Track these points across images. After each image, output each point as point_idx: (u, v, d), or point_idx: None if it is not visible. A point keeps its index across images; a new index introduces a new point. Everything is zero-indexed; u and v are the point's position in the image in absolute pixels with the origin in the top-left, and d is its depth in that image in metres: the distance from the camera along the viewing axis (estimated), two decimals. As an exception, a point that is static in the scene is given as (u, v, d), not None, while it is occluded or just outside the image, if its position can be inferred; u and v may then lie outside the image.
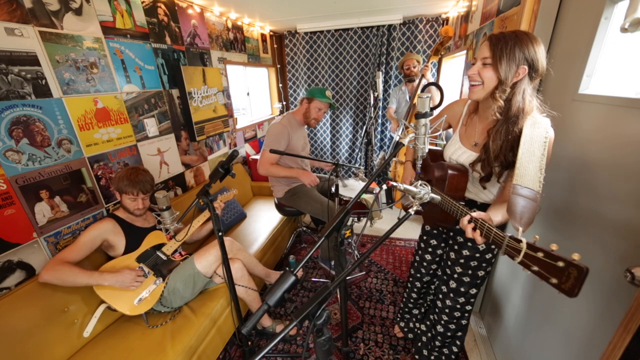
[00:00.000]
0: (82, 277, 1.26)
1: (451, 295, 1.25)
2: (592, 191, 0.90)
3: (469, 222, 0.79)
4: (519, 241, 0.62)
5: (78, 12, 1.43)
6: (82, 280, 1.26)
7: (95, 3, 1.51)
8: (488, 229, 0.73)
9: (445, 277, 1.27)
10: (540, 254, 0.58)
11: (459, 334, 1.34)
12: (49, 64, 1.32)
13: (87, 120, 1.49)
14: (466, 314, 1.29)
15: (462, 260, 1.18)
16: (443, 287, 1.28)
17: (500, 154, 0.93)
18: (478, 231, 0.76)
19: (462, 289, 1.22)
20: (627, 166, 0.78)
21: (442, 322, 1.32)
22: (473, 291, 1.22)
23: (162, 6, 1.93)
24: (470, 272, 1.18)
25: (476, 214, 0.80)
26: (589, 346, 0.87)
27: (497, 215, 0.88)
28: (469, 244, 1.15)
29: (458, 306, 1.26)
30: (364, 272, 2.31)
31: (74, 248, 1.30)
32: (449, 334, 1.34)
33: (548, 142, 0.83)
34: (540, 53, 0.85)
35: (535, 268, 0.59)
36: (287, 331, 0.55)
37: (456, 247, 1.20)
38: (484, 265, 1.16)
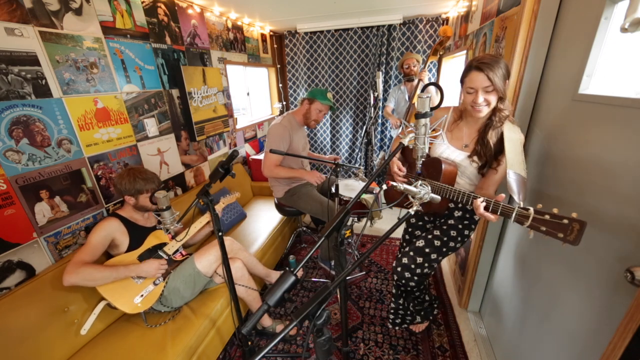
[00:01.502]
0: (110, 272, 1.29)
1: (411, 253, 1.33)
2: (592, 191, 0.90)
3: (481, 202, 0.96)
4: (527, 209, 0.80)
5: (78, 12, 1.43)
6: (110, 275, 1.29)
7: (95, 3, 1.51)
8: (495, 204, 0.92)
9: (414, 240, 1.38)
10: (547, 217, 0.75)
11: (427, 297, 1.55)
12: (49, 64, 1.32)
13: (87, 120, 1.49)
14: (421, 278, 1.37)
15: (444, 227, 1.31)
16: (407, 248, 1.37)
17: (492, 146, 1.14)
18: (490, 211, 0.94)
19: (427, 250, 1.31)
20: (627, 166, 0.78)
21: (408, 289, 1.47)
22: (433, 256, 1.31)
23: (162, 6, 1.93)
24: (444, 238, 1.30)
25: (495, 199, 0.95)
26: (589, 346, 0.87)
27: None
28: (452, 222, 1.31)
29: (413, 266, 1.33)
30: (364, 272, 2.31)
31: (87, 250, 1.30)
32: (410, 304, 1.53)
33: (522, 143, 1.09)
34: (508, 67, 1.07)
35: (544, 228, 0.75)
36: (287, 331, 0.55)
37: (444, 227, 1.33)
38: (458, 238, 1.30)
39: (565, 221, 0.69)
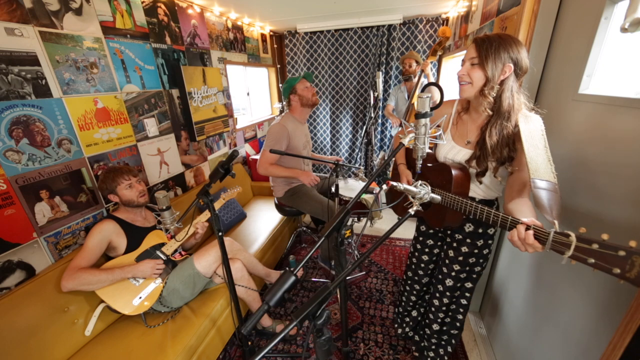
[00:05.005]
0: (105, 276, 1.30)
1: (447, 293, 1.27)
2: (591, 191, 0.90)
3: (527, 229, 0.71)
4: (567, 235, 0.61)
5: (78, 12, 1.43)
6: (106, 278, 1.30)
7: (95, 3, 1.51)
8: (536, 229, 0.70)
9: (440, 276, 1.28)
10: (595, 246, 0.57)
11: (455, 331, 1.35)
12: (49, 64, 1.32)
13: (87, 120, 1.49)
14: (461, 309, 1.30)
15: (460, 258, 1.19)
16: (439, 286, 1.30)
17: (496, 150, 0.97)
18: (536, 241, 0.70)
19: (459, 284, 1.24)
20: (626, 166, 0.78)
21: (439, 319, 1.34)
22: (468, 285, 1.24)
23: (162, 6, 1.93)
24: (467, 268, 1.20)
25: (529, 220, 0.74)
26: (589, 346, 0.87)
27: (528, 215, 0.81)
28: (468, 240, 1.17)
29: (454, 300, 1.28)
30: (364, 272, 2.31)
31: (84, 254, 1.30)
32: (444, 328, 1.36)
33: (544, 133, 0.87)
34: (523, 53, 0.91)
35: (592, 260, 0.58)
36: (287, 331, 0.55)
37: (455, 244, 1.21)
38: (481, 261, 1.19)
39: (622, 253, 0.53)
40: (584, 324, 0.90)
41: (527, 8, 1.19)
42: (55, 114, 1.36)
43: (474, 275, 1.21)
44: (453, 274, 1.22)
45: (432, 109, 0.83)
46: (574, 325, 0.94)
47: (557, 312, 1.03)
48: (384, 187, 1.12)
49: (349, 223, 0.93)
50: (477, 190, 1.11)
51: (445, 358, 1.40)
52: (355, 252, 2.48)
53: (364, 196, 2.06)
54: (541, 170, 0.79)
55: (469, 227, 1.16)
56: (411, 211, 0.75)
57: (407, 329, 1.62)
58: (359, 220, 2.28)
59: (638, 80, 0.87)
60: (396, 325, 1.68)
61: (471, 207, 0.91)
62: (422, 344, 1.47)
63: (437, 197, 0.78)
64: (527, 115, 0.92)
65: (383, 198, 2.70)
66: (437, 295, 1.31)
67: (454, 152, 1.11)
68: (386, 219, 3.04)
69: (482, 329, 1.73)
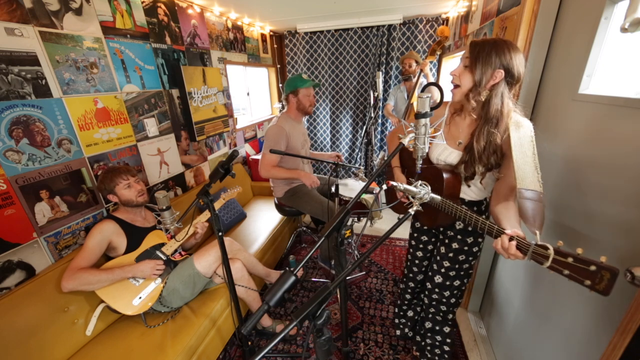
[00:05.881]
0: (105, 276, 1.30)
1: (436, 290, 1.28)
2: (591, 191, 0.90)
3: (510, 240, 0.75)
4: (546, 248, 0.66)
5: (78, 12, 1.43)
6: (106, 278, 1.30)
7: (95, 3, 1.51)
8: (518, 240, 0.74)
9: (431, 273, 1.30)
10: (570, 259, 0.62)
11: (447, 329, 1.36)
12: (49, 64, 1.32)
13: (87, 120, 1.49)
14: (451, 308, 1.30)
15: (451, 254, 1.21)
16: (428, 284, 1.32)
17: (483, 156, 0.97)
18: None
19: (447, 283, 1.25)
20: (627, 166, 0.78)
21: (430, 316, 1.35)
22: (457, 283, 1.24)
23: (162, 6, 1.93)
24: (457, 265, 1.21)
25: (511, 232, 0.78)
26: (589, 346, 0.87)
27: (512, 221, 0.85)
28: (459, 236, 1.18)
29: (444, 300, 1.28)
30: (364, 272, 2.31)
31: (84, 255, 1.30)
32: (437, 327, 1.36)
33: (533, 139, 0.87)
34: (516, 60, 0.89)
35: (567, 272, 0.63)
36: (287, 331, 0.55)
37: (446, 241, 1.22)
38: (470, 258, 1.20)
39: (593, 268, 0.58)
40: (584, 324, 0.90)
41: (527, 8, 1.19)
42: (55, 114, 1.36)
43: (462, 273, 1.23)
44: (442, 270, 1.24)
45: (432, 109, 0.83)
46: (573, 325, 0.94)
47: (557, 312, 1.03)
48: (384, 186, 1.11)
49: (349, 223, 0.93)
50: (466, 192, 1.12)
51: (446, 356, 1.40)
52: (355, 252, 2.48)
53: (364, 196, 2.06)
54: (527, 179, 0.80)
55: (459, 225, 1.18)
56: (411, 211, 0.75)
57: (405, 330, 1.62)
58: (359, 220, 2.28)
59: (638, 80, 0.87)
60: (395, 327, 1.69)
61: (461, 212, 0.92)
62: (422, 344, 1.48)
63: (437, 197, 0.78)
64: (519, 121, 0.90)
65: (383, 198, 2.70)
66: (427, 292, 1.33)
67: (446, 153, 1.10)
68: (386, 219, 3.04)
69: (482, 329, 1.73)
